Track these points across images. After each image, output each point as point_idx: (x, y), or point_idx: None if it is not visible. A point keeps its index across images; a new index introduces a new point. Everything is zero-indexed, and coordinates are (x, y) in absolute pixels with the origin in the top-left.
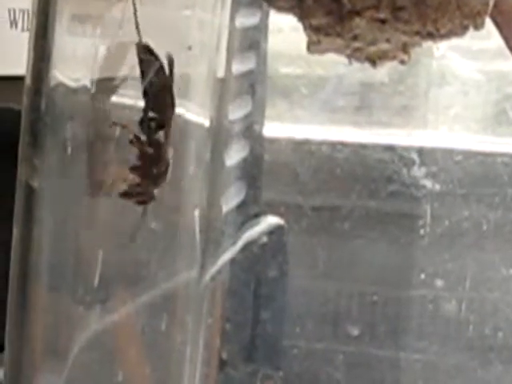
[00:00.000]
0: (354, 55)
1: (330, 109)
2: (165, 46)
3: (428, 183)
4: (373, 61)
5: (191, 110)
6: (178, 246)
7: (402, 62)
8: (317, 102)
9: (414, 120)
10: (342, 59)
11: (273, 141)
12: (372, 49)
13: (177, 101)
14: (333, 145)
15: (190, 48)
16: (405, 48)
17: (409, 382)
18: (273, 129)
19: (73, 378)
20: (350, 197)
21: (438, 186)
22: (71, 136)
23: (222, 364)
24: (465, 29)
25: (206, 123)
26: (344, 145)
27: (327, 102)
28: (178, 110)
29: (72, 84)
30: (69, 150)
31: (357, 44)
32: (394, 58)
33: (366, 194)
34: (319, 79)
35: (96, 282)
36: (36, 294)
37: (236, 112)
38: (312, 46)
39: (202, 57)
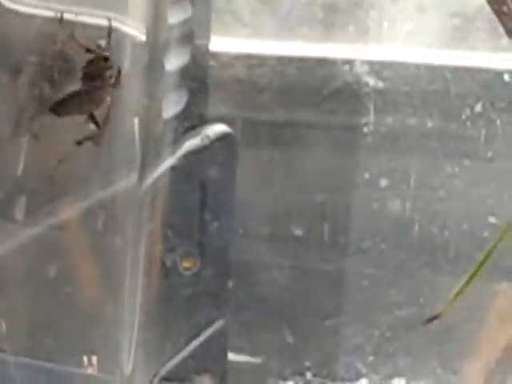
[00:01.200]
0: None
1: (286, 24)
2: None
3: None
4: None
5: (126, 12)
6: (116, 152)
7: None
8: (271, 16)
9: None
10: None
11: (220, 55)
12: None
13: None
14: (286, 59)
15: None
16: None
17: (354, 284)
18: (220, 43)
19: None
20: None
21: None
22: None
23: (165, 272)
24: None
25: (143, 26)
26: (297, 60)
27: (284, 18)
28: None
29: None
30: None
31: None
32: None
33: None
34: None
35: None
36: None
37: (175, 16)
38: None
39: None
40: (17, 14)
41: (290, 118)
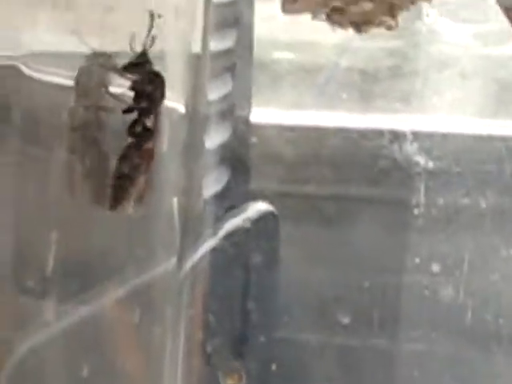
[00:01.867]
0: (334, 19)
1: (325, 94)
2: (135, 17)
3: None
4: (357, 26)
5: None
6: (155, 234)
7: (389, 28)
8: (311, 88)
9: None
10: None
11: (261, 126)
12: (354, 9)
13: None
14: (328, 131)
15: (159, 16)
16: (392, 11)
17: (405, 373)
18: (261, 114)
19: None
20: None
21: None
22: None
23: (207, 358)
24: None
25: (182, 104)
26: (340, 131)
27: (322, 88)
28: None
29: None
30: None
31: (335, 2)
32: (380, 23)
33: (359, 180)
34: (314, 66)
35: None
36: None
37: (215, 92)
38: (287, 6)
39: (176, 28)
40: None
41: (337, 193)
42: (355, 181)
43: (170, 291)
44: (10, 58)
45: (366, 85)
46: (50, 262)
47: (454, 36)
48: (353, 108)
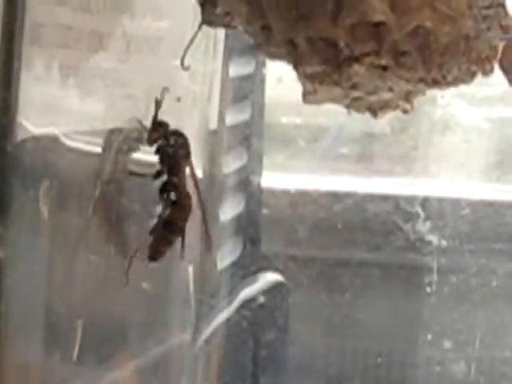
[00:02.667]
0: (353, 105)
1: (331, 158)
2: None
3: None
4: (374, 111)
5: None
6: (170, 305)
7: (405, 112)
8: (317, 152)
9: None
10: (343, 109)
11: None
12: (373, 98)
13: None
14: (333, 195)
15: (179, 99)
16: (408, 97)
17: None
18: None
19: None
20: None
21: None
22: (47, 196)
23: None
24: (473, 75)
25: (199, 176)
26: (345, 195)
27: (327, 151)
28: None
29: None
30: (44, 213)
31: (356, 93)
32: (396, 107)
33: (367, 247)
34: (319, 129)
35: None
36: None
37: (230, 165)
38: (308, 96)
39: (193, 108)
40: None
41: (346, 258)
42: (361, 245)
43: (186, 363)
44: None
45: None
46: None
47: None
48: (356, 171)
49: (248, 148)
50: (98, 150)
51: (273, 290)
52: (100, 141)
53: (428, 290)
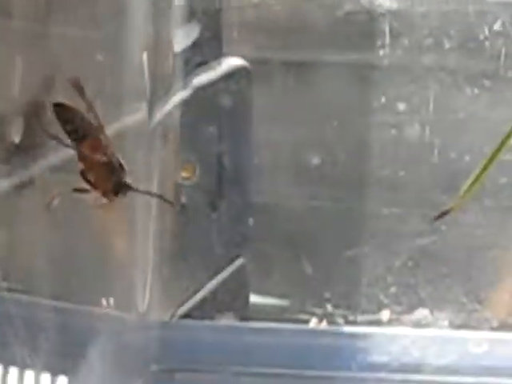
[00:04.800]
0: None
1: None
2: None
3: None
4: None
5: None
6: (124, 86)
7: None
8: None
9: None
10: None
11: None
12: None
13: None
14: None
15: None
16: None
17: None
18: None
19: None
20: None
21: None
22: None
23: (182, 209)
24: None
25: None
26: None
27: None
28: None
29: None
30: None
31: None
32: None
33: None
34: None
35: None
36: None
37: None
38: None
39: None
40: None
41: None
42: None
43: (141, 140)
44: None
45: None
46: None
47: None
48: None
49: None
50: None
51: (235, 74)
52: None
53: (381, 52)
